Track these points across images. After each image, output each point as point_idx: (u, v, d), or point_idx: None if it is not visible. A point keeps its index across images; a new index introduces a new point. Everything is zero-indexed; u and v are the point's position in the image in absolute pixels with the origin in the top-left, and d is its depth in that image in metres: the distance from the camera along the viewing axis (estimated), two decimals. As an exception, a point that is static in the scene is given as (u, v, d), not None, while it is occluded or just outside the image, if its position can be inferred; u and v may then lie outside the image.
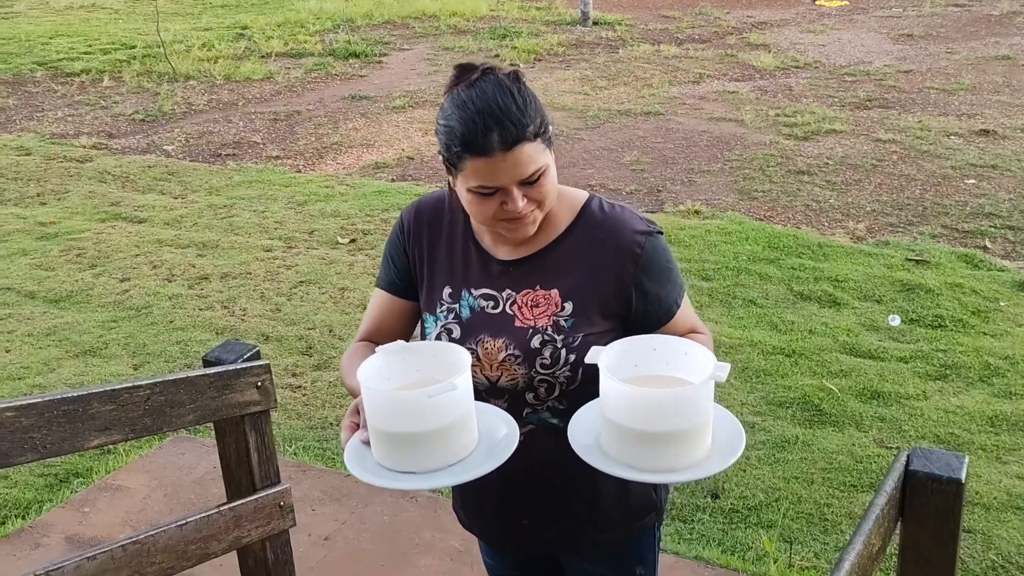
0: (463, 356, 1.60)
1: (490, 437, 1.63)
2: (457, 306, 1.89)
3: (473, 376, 1.77)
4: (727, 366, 1.52)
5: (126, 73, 10.87)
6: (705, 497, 3.81)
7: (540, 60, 11.48)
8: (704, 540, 3.54)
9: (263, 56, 11.68)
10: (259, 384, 2.66)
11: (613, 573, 2.08)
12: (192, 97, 10.09)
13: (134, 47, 11.92)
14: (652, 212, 6.85)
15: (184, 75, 10.79)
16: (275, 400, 2.66)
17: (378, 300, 2.02)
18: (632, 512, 1.99)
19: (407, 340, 1.89)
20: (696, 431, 1.50)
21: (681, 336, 1.81)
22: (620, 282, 1.81)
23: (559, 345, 1.79)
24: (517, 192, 1.70)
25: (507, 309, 1.85)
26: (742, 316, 5.28)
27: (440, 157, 1.80)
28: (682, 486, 3.86)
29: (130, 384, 2.48)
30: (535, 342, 1.80)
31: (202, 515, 2.52)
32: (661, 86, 10.23)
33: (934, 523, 1.78)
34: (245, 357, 2.93)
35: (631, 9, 14.44)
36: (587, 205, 1.87)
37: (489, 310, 1.86)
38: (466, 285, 1.89)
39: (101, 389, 2.44)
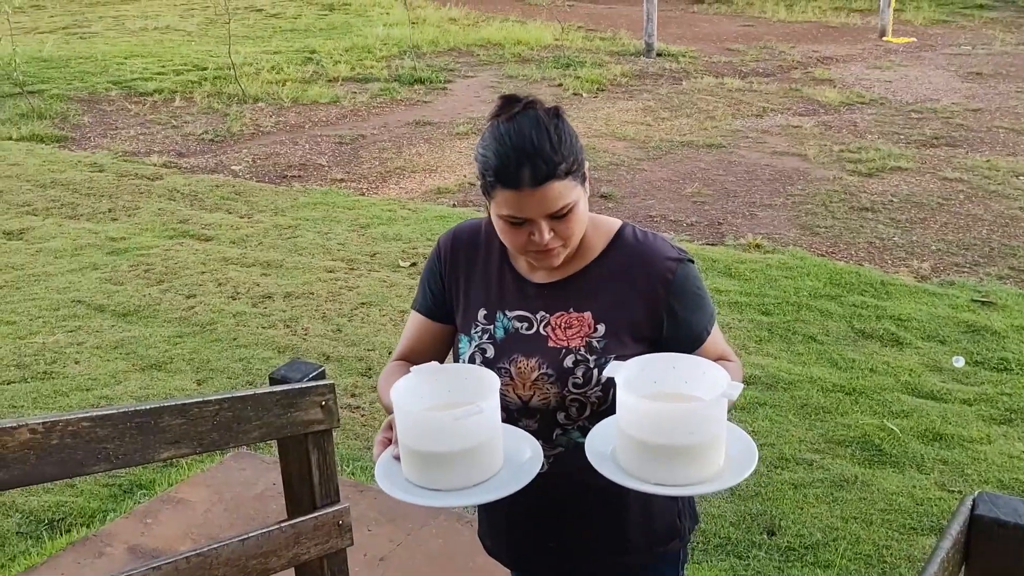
0: (492, 380, 1.66)
1: (515, 459, 1.68)
2: (492, 327, 1.95)
3: (505, 395, 1.90)
4: (739, 385, 1.57)
5: (197, 94, 11.11)
6: (761, 533, 3.78)
7: (603, 90, 11.52)
8: (759, 577, 3.51)
9: (330, 80, 11.88)
10: (323, 404, 2.71)
11: None
12: (260, 119, 10.29)
13: (205, 69, 12.19)
14: (712, 245, 6.84)
15: (253, 97, 11.01)
16: (338, 420, 2.71)
17: (414, 322, 2.09)
18: (656, 537, 2.02)
19: (441, 362, 2.00)
20: (707, 446, 1.54)
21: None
22: (651, 307, 1.88)
23: (591, 365, 1.85)
24: (544, 225, 1.77)
25: (541, 330, 1.91)
26: (802, 352, 5.24)
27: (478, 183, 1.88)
28: (737, 521, 3.84)
29: (200, 399, 2.55)
30: (568, 361, 1.87)
31: (263, 531, 2.57)
32: (724, 119, 10.21)
33: (999, 569, 1.76)
34: (310, 376, 2.99)
35: (695, 41, 14.45)
36: (621, 232, 1.95)
37: (523, 331, 1.92)
38: (501, 307, 1.96)
39: (172, 403, 2.50)
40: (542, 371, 1.88)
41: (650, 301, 1.88)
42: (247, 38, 13.68)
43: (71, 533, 3.65)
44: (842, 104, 10.76)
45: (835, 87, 11.51)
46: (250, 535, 2.60)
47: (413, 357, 2.05)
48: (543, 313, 1.93)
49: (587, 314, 1.89)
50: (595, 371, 1.85)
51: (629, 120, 10.18)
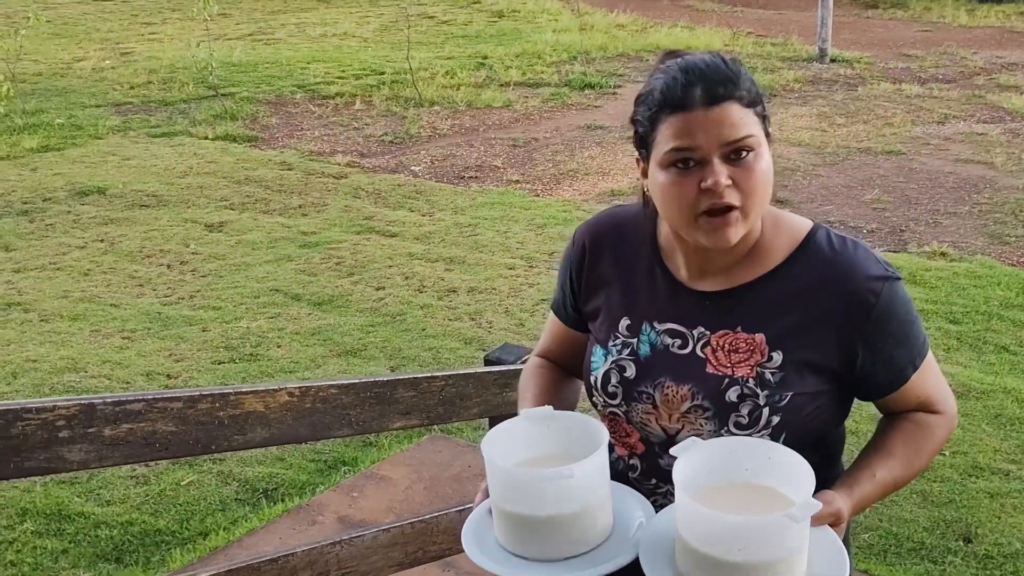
0: (600, 435, 1.44)
1: (623, 529, 1.46)
2: (635, 341, 1.62)
3: (646, 425, 1.60)
4: (815, 504, 1.28)
5: (376, 97, 11.53)
6: (957, 540, 3.72)
7: (776, 96, 11.39)
8: (956, 583, 3.47)
9: (502, 85, 12.13)
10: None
11: None
12: (436, 122, 10.60)
13: (383, 73, 12.63)
14: (895, 252, 6.70)
15: (429, 101, 11.35)
16: (555, 400, 2.82)
17: (551, 323, 1.84)
18: None
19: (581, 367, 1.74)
20: (778, 564, 1.29)
21: (910, 411, 1.60)
22: (845, 336, 1.52)
23: (762, 403, 1.51)
24: (719, 166, 1.45)
25: (698, 351, 1.57)
26: (993, 362, 5.11)
27: (634, 156, 1.60)
28: (931, 527, 3.79)
29: (428, 375, 2.72)
30: (731, 395, 1.52)
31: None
32: (903, 125, 9.96)
33: None
34: (522, 359, 3.13)
35: (870, 47, 14.11)
36: (812, 236, 1.58)
37: (675, 349, 1.59)
38: (648, 317, 1.62)
39: (406, 376, 2.68)
40: (696, 402, 1.54)
41: (844, 329, 1.52)
42: (421, 44, 14.09)
43: (285, 502, 3.90)
44: (1030, 111, 10.34)
45: (1022, 94, 11.05)
46: (466, 507, 2.75)
47: (553, 357, 1.85)
48: (702, 329, 1.57)
49: (760, 337, 1.54)
50: (765, 410, 1.51)
51: (803, 126, 10.04)
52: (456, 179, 8.72)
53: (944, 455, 4.26)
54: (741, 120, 1.45)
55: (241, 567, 2.33)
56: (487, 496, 1.50)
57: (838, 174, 8.50)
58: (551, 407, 1.56)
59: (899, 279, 1.55)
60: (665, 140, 1.47)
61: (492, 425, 2.98)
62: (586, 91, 11.83)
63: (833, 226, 7.18)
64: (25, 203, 7.85)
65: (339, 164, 9.13)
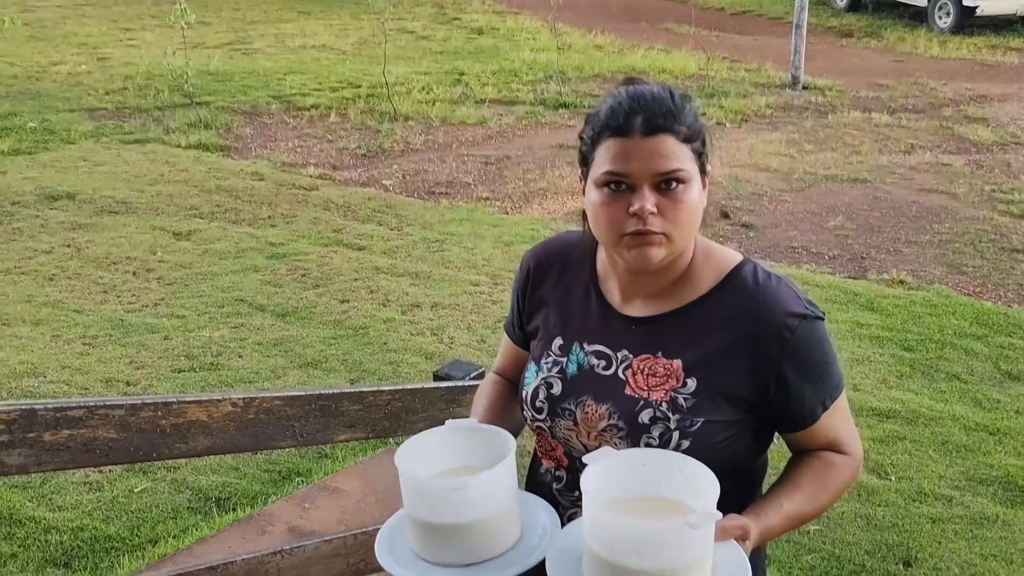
0: (507, 446, 1.51)
1: (530, 537, 1.53)
2: (565, 360, 1.69)
3: (568, 441, 1.67)
4: (714, 515, 1.33)
5: (351, 110, 11.58)
6: (897, 563, 3.80)
7: (747, 120, 11.53)
8: (894, 606, 3.54)
9: (477, 102, 12.20)
10: (488, 400, 2.87)
11: None
12: (410, 136, 10.66)
13: (359, 87, 12.67)
14: (854, 279, 6.81)
15: (404, 115, 11.40)
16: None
17: (504, 341, 1.94)
18: None
19: None
20: (678, 572, 1.33)
21: (818, 450, 1.64)
22: (758, 367, 1.57)
23: (672, 426, 1.56)
24: (648, 192, 1.51)
25: (620, 372, 1.63)
26: (944, 390, 5.20)
27: (578, 174, 1.67)
28: (872, 550, 3.87)
29: (374, 388, 2.77)
30: (644, 417, 1.58)
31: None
32: (870, 154, 10.10)
33: None
34: (471, 376, 3.18)
35: (843, 75, 14.28)
36: (738, 269, 1.63)
37: (599, 370, 1.65)
38: (580, 338, 1.70)
39: (351, 390, 2.72)
40: (612, 421, 1.60)
41: (757, 361, 1.56)
42: (399, 58, 14.15)
43: (236, 511, 3.93)
44: (995, 143, 10.51)
45: (989, 126, 11.23)
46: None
47: (507, 375, 1.94)
48: (626, 352, 1.64)
49: (677, 363, 1.59)
50: (675, 434, 1.55)
51: (773, 151, 10.17)
52: (426, 194, 8.77)
53: (890, 480, 4.35)
54: (674, 153, 1.51)
55: (181, 574, 2.37)
56: None
57: (804, 200, 8.61)
58: (475, 420, 1.67)
59: (820, 319, 1.59)
60: (602, 161, 1.54)
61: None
62: (560, 110, 11.92)
63: (797, 252, 7.31)
64: (-7, 206, 7.85)
65: (311, 176, 9.17)
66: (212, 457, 4.31)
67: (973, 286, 6.66)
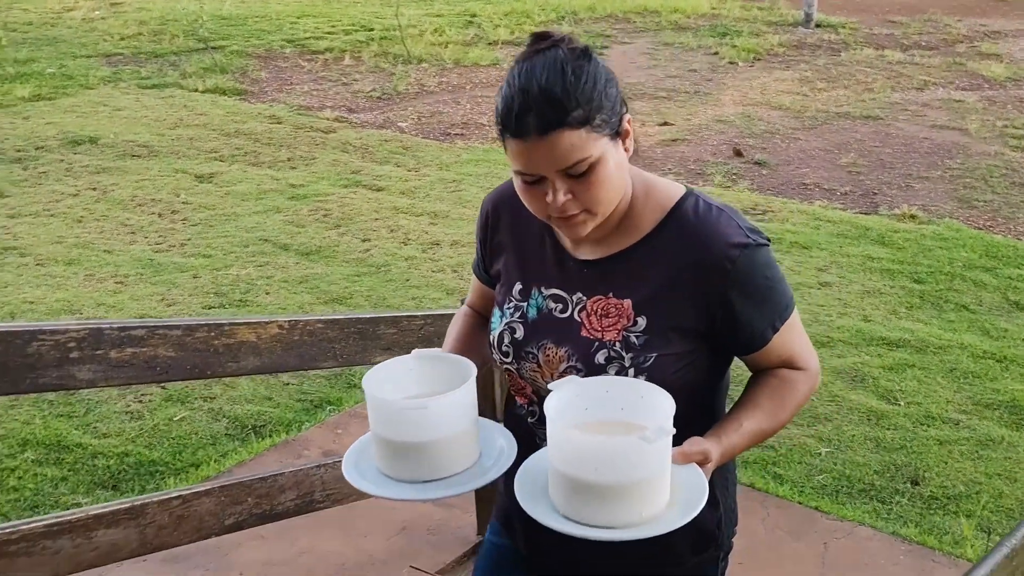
0: (467, 371, 1.58)
1: (486, 458, 1.61)
2: (525, 304, 1.73)
3: (535, 383, 1.73)
4: (668, 430, 1.39)
5: (365, 53, 11.63)
6: (905, 483, 3.96)
7: (759, 59, 11.55)
8: (901, 520, 3.71)
9: (490, 43, 12.24)
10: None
11: None
12: (424, 79, 10.72)
13: (372, 29, 12.71)
14: (866, 214, 6.92)
15: (417, 58, 11.46)
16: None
17: (473, 279, 1.98)
18: (695, 545, 1.80)
19: None
20: (633, 487, 1.39)
21: (775, 368, 1.70)
22: (703, 299, 1.60)
23: (627, 364, 1.60)
24: (559, 184, 1.52)
25: (575, 315, 1.67)
26: (952, 320, 5.33)
27: None
28: (881, 470, 4.03)
29: (409, 314, 2.92)
30: (600, 357, 1.62)
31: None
32: (883, 91, 10.14)
33: None
34: (498, 303, 3.31)
35: (856, 12, 14.24)
36: (680, 204, 1.65)
37: (556, 313, 1.69)
38: (537, 282, 1.73)
39: (387, 314, 2.88)
40: (571, 363, 1.65)
41: (700, 293, 1.60)
42: (411, 1, 14.16)
43: (272, 438, 4.11)
44: (1008, 79, 10.52)
45: (1002, 62, 11.24)
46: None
47: (477, 309, 2.00)
48: (580, 295, 1.67)
49: (627, 302, 1.62)
50: (631, 371, 1.59)
51: (785, 90, 10.21)
52: (442, 136, 8.87)
53: (899, 405, 4.50)
54: (573, 146, 1.48)
55: (234, 483, 2.54)
56: None
57: (816, 138, 8.68)
58: (439, 349, 1.73)
59: (762, 245, 1.61)
60: (510, 156, 1.54)
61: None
62: (573, 51, 11.95)
63: (809, 189, 7.41)
64: (18, 151, 7.98)
65: (327, 119, 9.27)
66: (246, 388, 4.49)
67: (983, 220, 6.76)
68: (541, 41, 1.54)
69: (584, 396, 1.51)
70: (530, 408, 1.81)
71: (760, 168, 7.91)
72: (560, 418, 1.44)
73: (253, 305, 5.40)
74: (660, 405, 1.44)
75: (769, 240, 1.63)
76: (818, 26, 13.24)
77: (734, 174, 7.75)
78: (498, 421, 1.74)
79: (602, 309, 1.64)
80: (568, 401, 1.49)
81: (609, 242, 1.65)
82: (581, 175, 1.50)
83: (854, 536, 3.55)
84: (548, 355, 1.67)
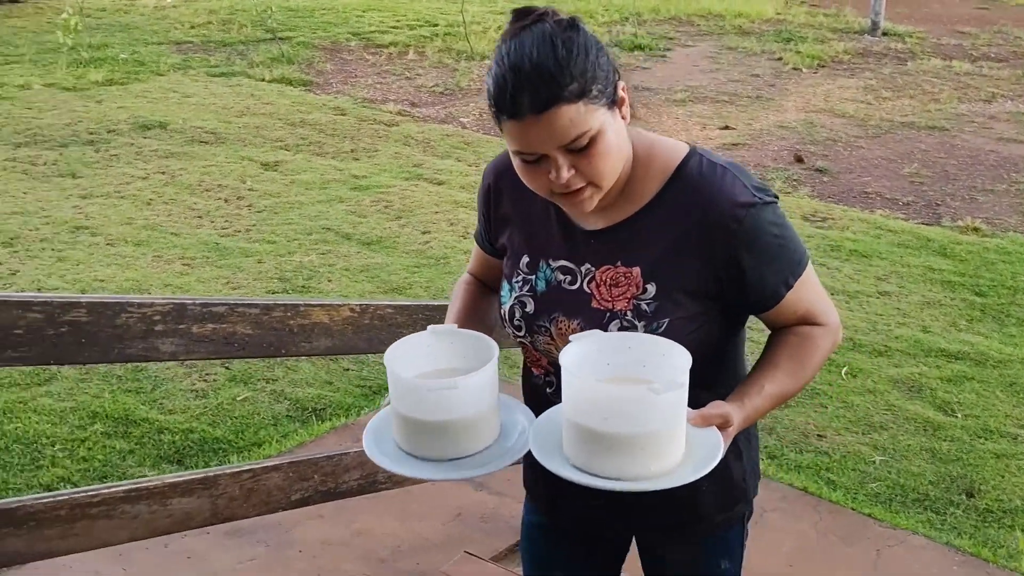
0: (490, 351, 1.56)
1: (507, 437, 1.60)
2: (533, 277, 1.72)
3: (551, 353, 1.71)
4: (678, 384, 1.39)
5: (429, 48, 11.74)
6: (960, 494, 3.95)
7: (824, 66, 11.47)
8: (955, 531, 3.70)
9: (553, 42, 12.27)
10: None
11: (697, 563, 1.90)
12: (487, 76, 10.79)
13: (436, 25, 12.82)
14: (928, 225, 6.86)
15: (480, 54, 11.53)
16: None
17: (474, 249, 1.97)
18: (721, 501, 1.81)
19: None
20: (641, 438, 1.40)
21: (792, 326, 1.68)
22: (711, 260, 1.59)
23: (640, 331, 1.59)
24: (562, 160, 1.49)
25: (584, 286, 1.66)
26: (1014, 334, 5.29)
27: None
28: (936, 481, 4.02)
29: (475, 303, 2.97)
30: (612, 328, 1.61)
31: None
32: (949, 102, 10.03)
33: None
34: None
35: (924, 22, 14.07)
36: (683, 165, 1.61)
37: (566, 285, 1.68)
38: (545, 255, 1.71)
39: (454, 303, 2.93)
40: None
41: (708, 255, 1.58)
42: (475, -2, 14.24)
43: (332, 421, 4.20)
44: (1079, 94, 10.36)
45: (1073, 76, 11.05)
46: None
47: (478, 276, 1.97)
48: (588, 265, 1.66)
49: (636, 269, 1.61)
50: None
51: (849, 98, 10.14)
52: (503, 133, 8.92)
53: (956, 417, 4.48)
54: (571, 121, 1.46)
55: (302, 460, 2.62)
56: None
57: (879, 147, 8.62)
58: (455, 325, 1.71)
59: (769, 203, 1.58)
60: (508, 138, 1.52)
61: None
62: (635, 52, 11.96)
63: (870, 198, 7.36)
64: (91, 133, 8.19)
65: (391, 112, 9.38)
66: (307, 372, 4.59)
67: (1048, 235, 6.68)
68: (524, 17, 1.51)
69: (605, 351, 1.51)
70: (547, 379, 1.80)
71: (821, 175, 7.87)
72: (578, 370, 1.44)
73: (315, 292, 5.50)
74: (679, 362, 1.44)
75: (777, 197, 1.62)
76: (885, 34, 13.11)
77: (794, 180, 7.72)
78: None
79: (611, 279, 1.63)
80: (587, 355, 1.49)
81: (614, 210, 1.63)
82: (583, 149, 1.48)
83: (907, 544, 3.55)
84: (560, 328, 1.66)
